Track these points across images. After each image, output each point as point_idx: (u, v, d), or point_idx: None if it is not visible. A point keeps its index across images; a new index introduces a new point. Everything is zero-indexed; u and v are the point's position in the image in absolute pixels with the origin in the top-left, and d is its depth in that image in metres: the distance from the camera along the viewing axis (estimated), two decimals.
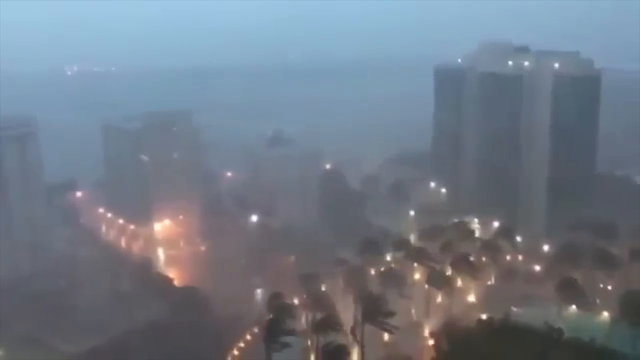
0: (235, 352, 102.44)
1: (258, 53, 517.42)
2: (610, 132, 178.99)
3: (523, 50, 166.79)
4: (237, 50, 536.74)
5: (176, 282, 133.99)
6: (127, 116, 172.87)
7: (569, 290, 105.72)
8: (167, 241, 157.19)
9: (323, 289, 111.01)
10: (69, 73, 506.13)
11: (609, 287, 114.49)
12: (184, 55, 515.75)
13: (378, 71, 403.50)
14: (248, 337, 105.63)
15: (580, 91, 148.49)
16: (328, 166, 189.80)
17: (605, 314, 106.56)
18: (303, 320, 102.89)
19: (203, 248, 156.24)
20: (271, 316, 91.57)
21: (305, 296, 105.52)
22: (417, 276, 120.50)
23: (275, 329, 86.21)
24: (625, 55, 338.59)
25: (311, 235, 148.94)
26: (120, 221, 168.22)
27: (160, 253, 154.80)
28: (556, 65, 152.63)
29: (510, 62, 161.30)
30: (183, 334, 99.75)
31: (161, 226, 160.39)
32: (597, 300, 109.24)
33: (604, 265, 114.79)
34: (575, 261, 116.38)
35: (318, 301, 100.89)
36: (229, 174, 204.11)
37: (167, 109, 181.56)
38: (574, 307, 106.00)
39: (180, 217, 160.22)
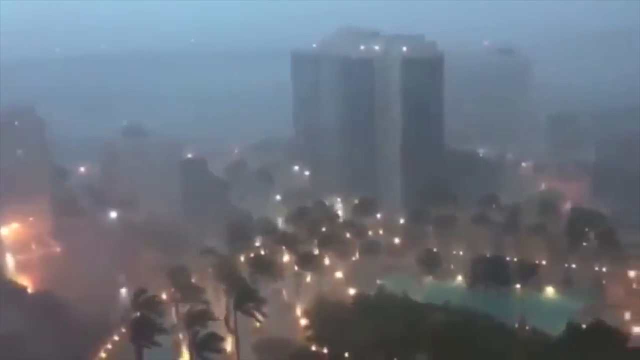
0: (103, 355, 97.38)
1: (110, 40, 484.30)
2: (457, 109, 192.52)
3: (374, 35, 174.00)
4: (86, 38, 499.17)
5: (30, 289, 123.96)
6: None
7: (427, 259, 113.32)
8: (16, 245, 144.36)
9: (193, 281, 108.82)
10: None
11: (461, 253, 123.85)
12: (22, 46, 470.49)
13: (238, 59, 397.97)
14: (116, 338, 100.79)
15: (426, 72, 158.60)
16: (189, 155, 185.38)
17: (459, 278, 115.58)
18: (174, 315, 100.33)
19: (58, 250, 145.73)
20: (138, 314, 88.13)
21: (173, 290, 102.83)
22: (286, 259, 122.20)
23: (143, 326, 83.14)
24: (474, 34, 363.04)
25: (176, 227, 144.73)
26: None
27: (9, 259, 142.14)
28: (404, 48, 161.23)
29: (362, 47, 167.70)
30: (41, 344, 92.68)
31: (9, 230, 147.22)
32: (452, 267, 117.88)
33: (457, 232, 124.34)
34: (430, 230, 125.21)
35: (188, 294, 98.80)
36: (82, 169, 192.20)
37: (6, 103, 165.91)
38: (431, 275, 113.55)
39: (31, 218, 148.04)
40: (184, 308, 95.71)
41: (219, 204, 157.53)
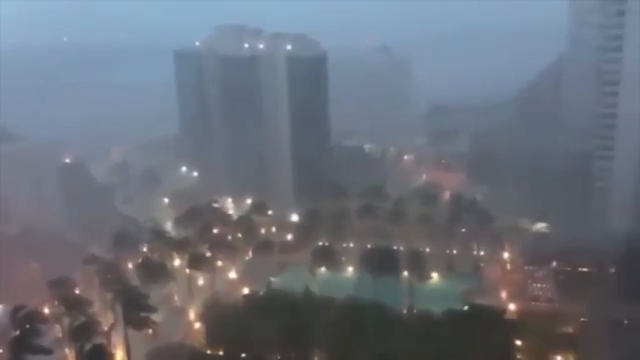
0: None
1: None
2: (341, 106, 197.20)
3: (257, 32, 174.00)
4: None
5: None
6: None
7: (319, 253, 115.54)
8: None
9: (77, 291, 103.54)
10: None
11: (351, 245, 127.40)
12: None
13: (117, 58, 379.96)
14: None
15: (310, 70, 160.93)
16: (68, 160, 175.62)
17: (351, 269, 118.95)
18: (58, 329, 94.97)
19: None
20: (17, 332, 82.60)
21: (57, 303, 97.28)
22: (176, 262, 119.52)
23: (23, 345, 78.12)
24: (356, 33, 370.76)
25: (57, 237, 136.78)
26: None
27: None
28: (288, 46, 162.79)
29: (246, 45, 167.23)
30: None
31: None
32: (343, 259, 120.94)
33: (346, 225, 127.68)
34: (321, 225, 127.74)
35: (72, 305, 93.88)
36: None
37: None
38: (324, 268, 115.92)
39: None
40: (69, 321, 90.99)
41: (102, 209, 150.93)
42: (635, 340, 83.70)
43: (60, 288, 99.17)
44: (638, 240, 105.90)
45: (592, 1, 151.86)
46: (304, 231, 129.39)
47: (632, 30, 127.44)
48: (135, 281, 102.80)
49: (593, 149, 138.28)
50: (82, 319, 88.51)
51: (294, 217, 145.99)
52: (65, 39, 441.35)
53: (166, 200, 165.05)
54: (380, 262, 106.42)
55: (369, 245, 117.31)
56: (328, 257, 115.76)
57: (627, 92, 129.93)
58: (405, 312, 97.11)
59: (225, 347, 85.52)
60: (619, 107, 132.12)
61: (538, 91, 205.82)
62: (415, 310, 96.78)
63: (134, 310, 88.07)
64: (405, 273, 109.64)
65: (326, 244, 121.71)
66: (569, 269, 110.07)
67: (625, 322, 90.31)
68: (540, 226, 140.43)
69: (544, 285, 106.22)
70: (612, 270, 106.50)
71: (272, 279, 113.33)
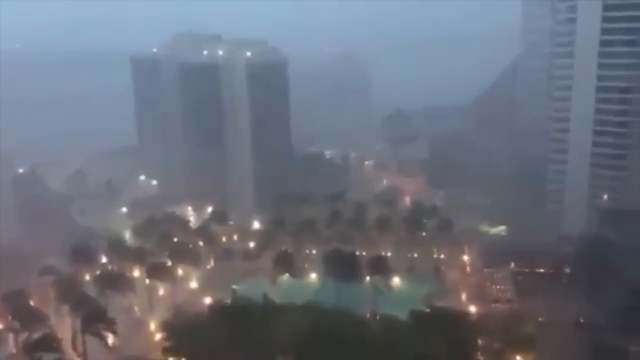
0: None
1: None
2: (302, 112, 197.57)
3: (216, 39, 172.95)
4: None
5: None
6: None
7: (281, 261, 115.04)
8: None
9: (32, 304, 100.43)
10: None
11: (314, 252, 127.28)
12: None
13: (74, 65, 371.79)
14: None
15: (271, 77, 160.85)
16: (21, 170, 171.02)
17: (313, 275, 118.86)
18: (12, 344, 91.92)
19: None
20: None
21: (10, 317, 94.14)
22: (136, 273, 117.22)
23: None
24: (317, 40, 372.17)
25: (10, 249, 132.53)
26: None
27: None
28: (248, 53, 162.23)
29: (205, 51, 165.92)
30: None
31: None
32: (305, 265, 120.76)
33: (308, 232, 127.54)
34: (283, 232, 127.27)
35: (27, 319, 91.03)
36: None
37: None
38: (287, 275, 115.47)
39: None
40: (24, 335, 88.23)
41: (58, 220, 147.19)
42: (590, 338, 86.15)
43: (14, 301, 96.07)
44: (591, 241, 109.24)
45: (544, 9, 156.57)
46: (265, 238, 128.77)
47: (582, 37, 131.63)
48: (93, 293, 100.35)
49: (547, 152, 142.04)
50: (38, 332, 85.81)
51: (256, 225, 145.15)
52: (17, 45, 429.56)
53: (124, 209, 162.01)
54: (342, 268, 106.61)
55: (331, 251, 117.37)
56: (290, 263, 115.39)
57: (578, 97, 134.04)
58: (368, 316, 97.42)
59: (187, 358, 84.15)
60: (571, 111, 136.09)
61: (494, 96, 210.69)
62: (377, 315, 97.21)
63: (93, 322, 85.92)
64: (368, 278, 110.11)
65: (288, 250, 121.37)
66: (526, 270, 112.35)
67: (581, 320, 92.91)
68: (499, 229, 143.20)
69: (503, 287, 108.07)
70: (567, 270, 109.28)
71: (235, 287, 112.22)
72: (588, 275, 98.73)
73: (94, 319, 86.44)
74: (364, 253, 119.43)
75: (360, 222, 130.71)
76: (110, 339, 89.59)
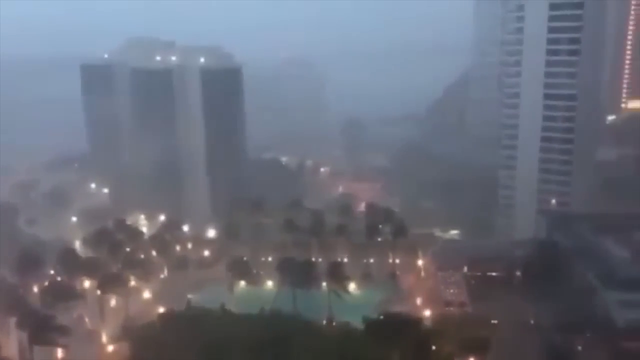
0: None
1: None
2: (256, 119, 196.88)
3: (169, 45, 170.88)
4: None
5: None
6: None
7: (237, 269, 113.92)
8: None
9: None
10: None
11: (270, 259, 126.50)
12: None
13: (20, 71, 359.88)
14: None
15: (224, 83, 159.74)
16: None
17: (270, 283, 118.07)
18: None
19: None
20: None
21: None
22: (87, 284, 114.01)
23: None
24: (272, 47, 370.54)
25: None
26: None
27: None
28: (201, 59, 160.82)
29: (158, 57, 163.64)
30: None
31: None
32: (262, 273, 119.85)
33: (264, 239, 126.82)
34: (238, 240, 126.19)
35: None
36: None
37: None
38: (243, 282, 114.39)
39: None
40: None
41: (4, 230, 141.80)
42: (540, 338, 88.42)
43: None
44: (541, 245, 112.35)
45: (494, 19, 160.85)
46: (220, 246, 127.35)
47: (530, 46, 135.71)
48: (40, 305, 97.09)
49: (498, 158, 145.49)
50: None
51: (211, 233, 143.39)
52: None
53: (75, 219, 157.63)
54: (299, 275, 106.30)
55: (286, 258, 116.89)
56: (245, 271, 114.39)
57: (527, 104, 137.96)
58: (324, 323, 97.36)
59: None
60: (520, 118, 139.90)
61: (447, 105, 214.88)
62: (334, 322, 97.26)
63: (42, 333, 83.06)
64: (324, 284, 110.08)
65: (244, 258, 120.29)
66: (479, 274, 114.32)
67: (532, 321, 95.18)
68: (452, 234, 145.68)
69: (456, 291, 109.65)
70: (519, 273, 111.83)
71: (190, 296, 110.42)
72: (538, 277, 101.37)
73: (43, 331, 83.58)
74: (320, 259, 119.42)
75: (316, 228, 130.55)
76: (60, 353, 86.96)
